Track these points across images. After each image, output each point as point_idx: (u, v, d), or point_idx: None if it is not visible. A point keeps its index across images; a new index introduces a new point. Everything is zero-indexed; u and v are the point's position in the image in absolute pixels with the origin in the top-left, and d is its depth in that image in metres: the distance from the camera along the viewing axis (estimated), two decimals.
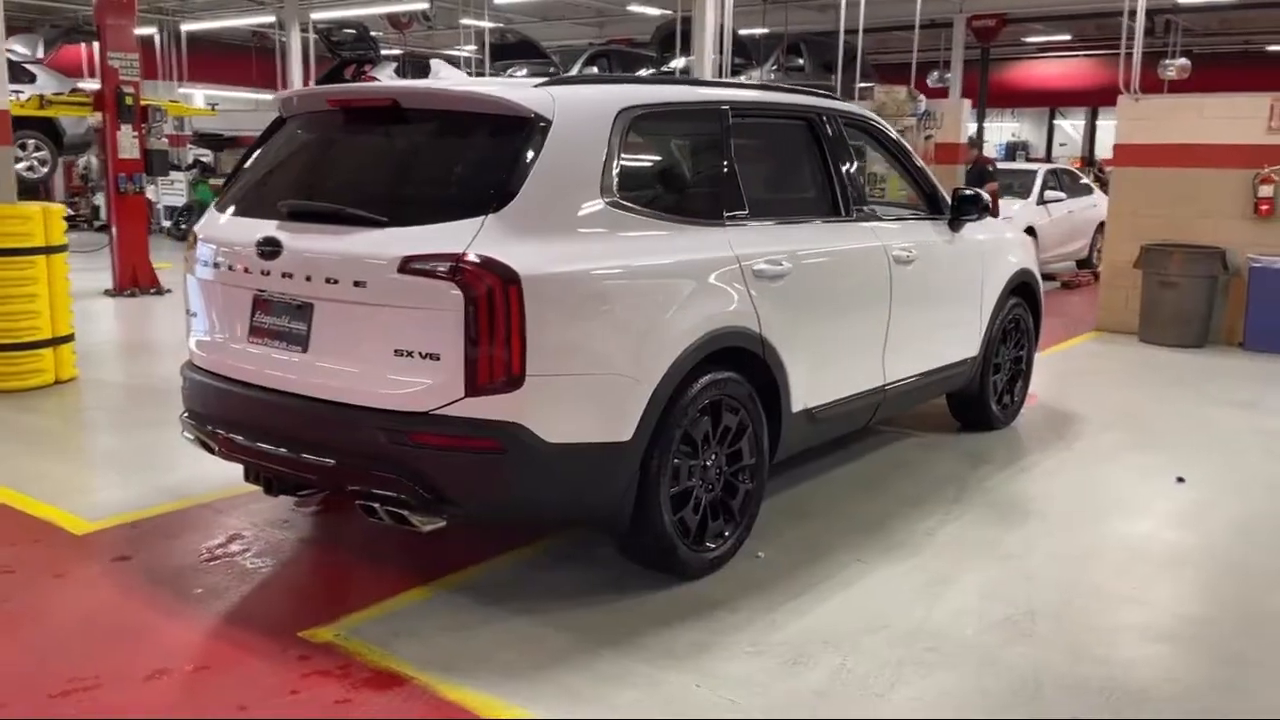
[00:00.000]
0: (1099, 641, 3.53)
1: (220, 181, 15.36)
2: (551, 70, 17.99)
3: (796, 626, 3.57)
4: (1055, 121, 34.49)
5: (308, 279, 3.49)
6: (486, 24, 18.92)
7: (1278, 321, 9.06)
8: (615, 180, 3.63)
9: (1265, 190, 9.24)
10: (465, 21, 19.79)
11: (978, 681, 3.23)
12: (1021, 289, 6.17)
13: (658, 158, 3.89)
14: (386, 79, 19.04)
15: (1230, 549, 4.45)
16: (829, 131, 4.75)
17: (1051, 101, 32.55)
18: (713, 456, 3.90)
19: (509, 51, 16.69)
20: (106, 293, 10.94)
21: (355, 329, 3.44)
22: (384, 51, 20.39)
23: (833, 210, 4.68)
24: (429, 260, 3.27)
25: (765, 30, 15.52)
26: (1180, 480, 5.30)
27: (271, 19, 19.55)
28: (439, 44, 21.42)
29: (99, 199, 16.86)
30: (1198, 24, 18.85)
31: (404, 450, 3.34)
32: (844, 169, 4.80)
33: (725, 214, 4.06)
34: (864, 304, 4.78)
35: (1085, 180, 15.22)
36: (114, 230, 11.01)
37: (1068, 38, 21.84)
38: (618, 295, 3.55)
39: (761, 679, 3.22)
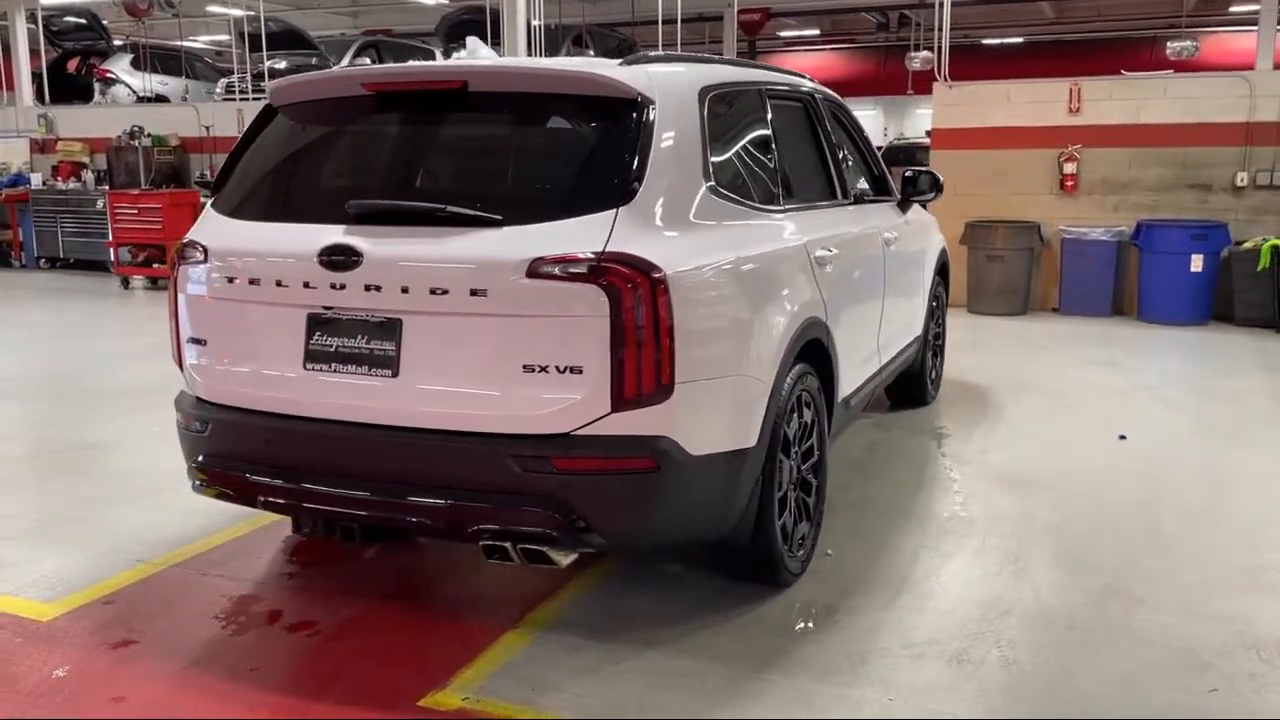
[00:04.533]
0: (1206, 599, 3.65)
1: None
2: (315, 62, 16.89)
3: (927, 623, 3.46)
4: None
5: (404, 291, 2.97)
6: (237, 12, 17.42)
7: (1088, 287, 9.93)
8: (710, 166, 3.36)
9: (1070, 168, 10.09)
10: (213, 9, 18.16)
11: (1145, 654, 3.24)
12: (942, 268, 6.38)
13: (733, 141, 3.64)
14: (123, 70, 17.21)
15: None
16: (821, 112, 4.66)
17: None
18: (797, 456, 3.72)
19: (273, 42, 15.43)
20: None
21: (468, 345, 2.97)
22: (118, 41, 18.41)
23: (838, 193, 4.59)
24: (565, 261, 2.87)
25: (556, 21, 15.28)
26: (1123, 437, 5.65)
27: None
28: (186, 33, 19.52)
29: None
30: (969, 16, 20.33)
31: (545, 479, 2.92)
32: (840, 151, 4.73)
33: (783, 199, 3.88)
34: (872, 288, 4.74)
35: None
36: None
37: (817, 32, 23.08)
38: (740, 289, 3.29)
39: (945, 682, 3.08)
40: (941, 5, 10.64)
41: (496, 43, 12.39)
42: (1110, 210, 10.00)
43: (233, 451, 3.32)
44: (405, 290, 2.97)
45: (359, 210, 3.08)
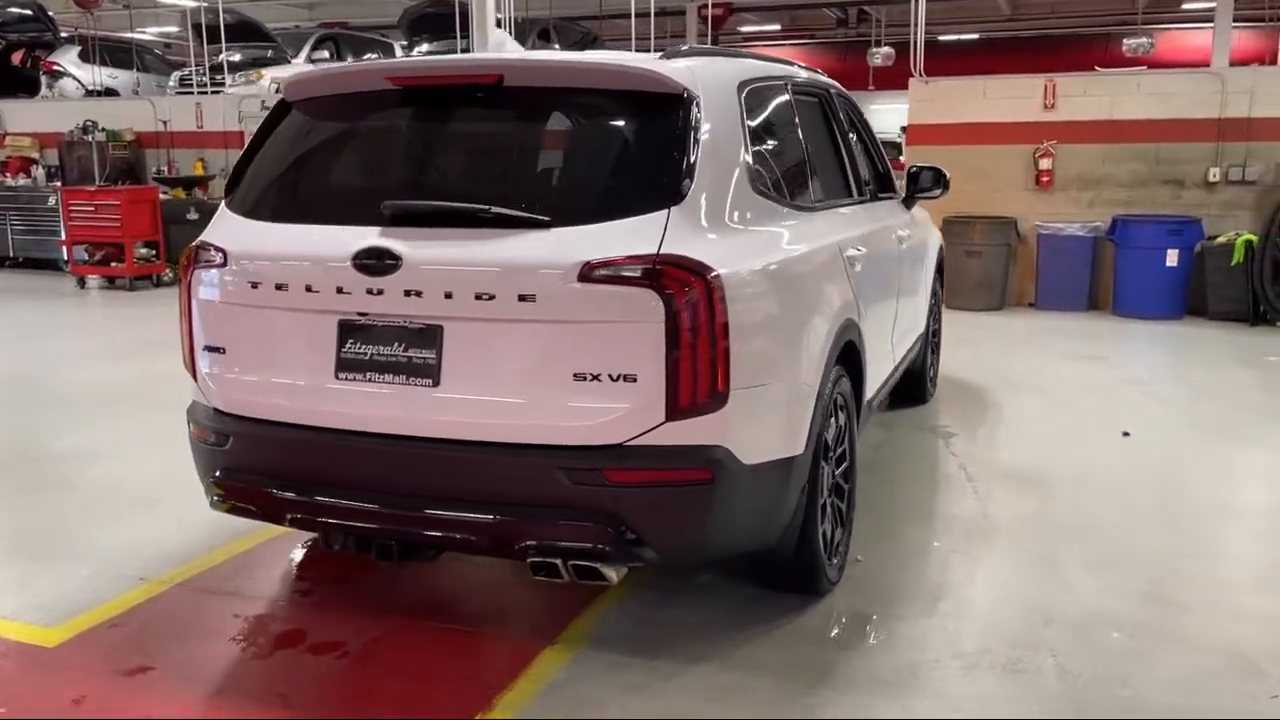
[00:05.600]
0: (1244, 600, 3.62)
1: None
2: (270, 55, 16.50)
3: (972, 631, 3.38)
4: None
5: (446, 296, 2.82)
6: (190, 2, 16.96)
7: (1064, 282, 9.99)
8: (751, 163, 3.24)
9: (1045, 164, 10.13)
10: (166, 0, 17.67)
11: (1196, 659, 3.19)
12: (940, 265, 6.33)
13: (768, 137, 3.53)
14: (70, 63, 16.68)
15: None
16: (836, 107, 4.57)
17: None
18: (833, 461, 3.62)
19: (229, 33, 15.01)
20: None
21: (515, 352, 2.83)
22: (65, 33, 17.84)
23: (856, 191, 4.50)
24: (619, 264, 2.74)
25: (523, 15, 15.06)
26: (1126, 434, 5.64)
27: None
28: (135, 24, 18.97)
29: None
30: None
31: (597, 492, 2.79)
32: (855, 147, 4.64)
33: (813, 197, 3.78)
34: (890, 287, 4.67)
35: None
36: None
37: (777, 27, 23.08)
38: (788, 292, 3.18)
39: (1004, 693, 3.00)
40: (916, 1, 10.61)
41: (464, 36, 12.16)
42: (1085, 206, 10.07)
43: (257, 466, 3.15)
44: (448, 295, 2.82)
45: (395, 211, 2.92)
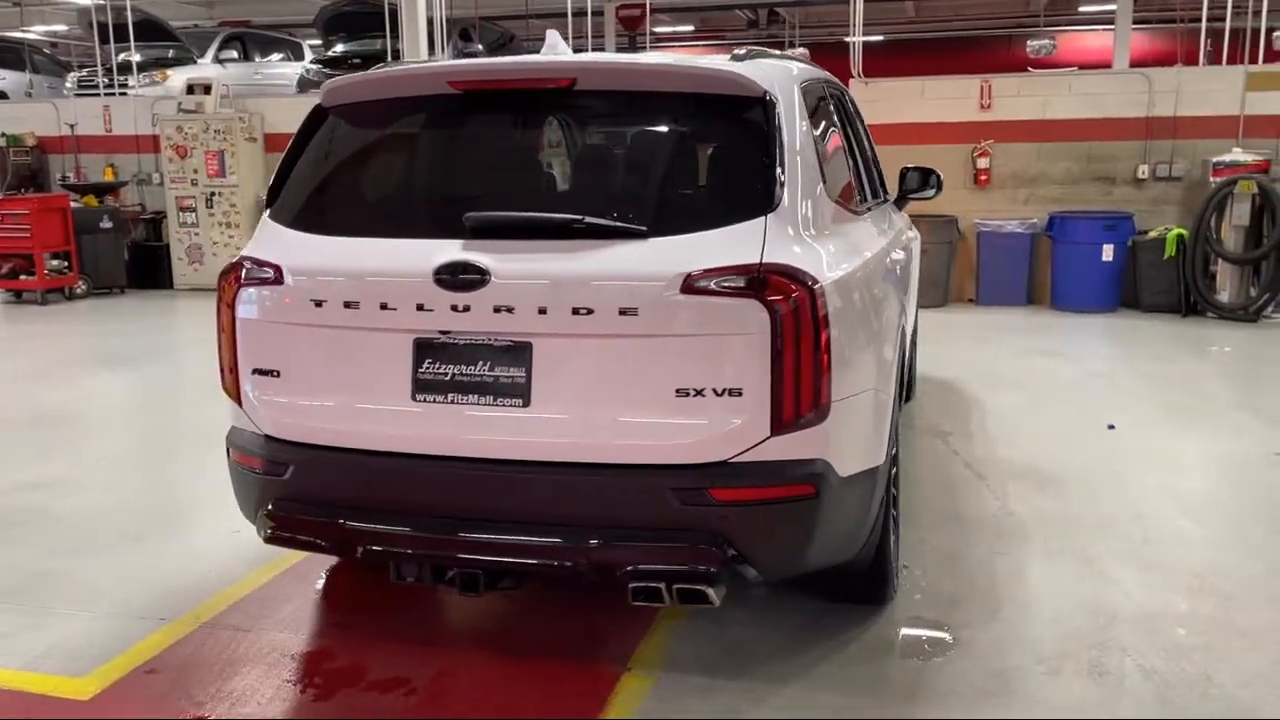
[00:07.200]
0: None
1: None
2: (172, 55, 15.82)
3: (1044, 635, 3.37)
4: None
5: (540, 312, 2.67)
6: (89, 1, 16.12)
7: (1003, 278, 10.23)
8: (821, 167, 3.18)
9: (983, 162, 10.36)
10: None
11: (1268, 653, 3.24)
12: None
13: (825, 141, 3.46)
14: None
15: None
16: (850, 108, 4.55)
17: None
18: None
19: (127, 32, 14.28)
20: None
21: (613, 369, 2.70)
22: None
23: (877, 193, 4.48)
24: (723, 274, 2.64)
25: (446, 13, 14.71)
26: (1111, 427, 5.77)
27: None
28: (27, 22, 17.96)
29: None
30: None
31: (705, 512, 2.68)
32: (869, 150, 4.62)
33: (861, 201, 3.74)
34: (909, 289, 4.68)
35: None
36: None
37: (691, 29, 23.14)
38: (869, 298, 3.13)
39: (1098, 697, 3.00)
40: (854, 4, 10.73)
41: (395, 36, 11.84)
42: (1021, 203, 10.32)
43: (322, 495, 2.94)
44: (542, 311, 2.67)
45: (477, 223, 2.75)
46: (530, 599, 3.65)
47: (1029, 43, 18.46)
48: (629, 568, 2.71)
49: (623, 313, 2.65)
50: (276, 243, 3.01)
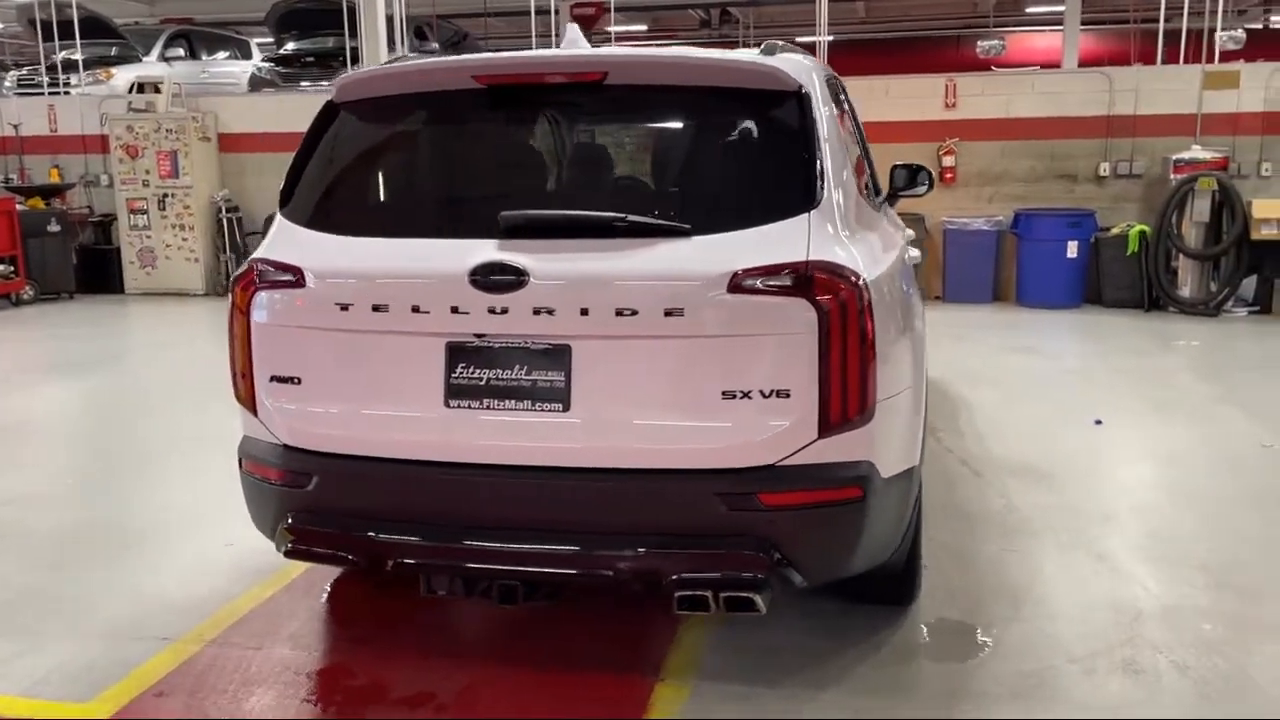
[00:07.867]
0: None
1: None
2: (115, 53, 15.37)
3: (1071, 633, 3.35)
4: None
5: (583, 313, 2.58)
6: None
7: (970, 275, 10.31)
8: (849, 162, 3.12)
9: (948, 160, 10.44)
10: None
11: None
12: None
13: (849, 137, 3.41)
14: None
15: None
16: (846, 105, 4.50)
17: None
18: None
19: (69, 29, 13.83)
20: None
21: (657, 371, 2.62)
22: None
23: (878, 190, 4.44)
24: (771, 273, 2.57)
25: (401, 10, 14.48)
26: (1098, 422, 5.82)
27: None
28: None
29: None
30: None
31: (754, 517, 2.61)
32: (867, 147, 4.59)
33: (876, 197, 3.70)
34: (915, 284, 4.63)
35: None
36: None
37: (644, 28, 23.06)
38: (905, 296, 3.09)
39: (1137, 696, 2.98)
40: (820, 3, 10.75)
41: (354, 35, 11.60)
42: (986, 201, 10.42)
43: (348, 507, 2.81)
44: (584, 313, 2.58)
45: (513, 222, 2.65)
46: (544, 608, 3.55)
47: (979, 43, 18.68)
48: (674, 576, 2.62)
49: (668, 314, 2.56)
50: (294, 244, 2.87)
